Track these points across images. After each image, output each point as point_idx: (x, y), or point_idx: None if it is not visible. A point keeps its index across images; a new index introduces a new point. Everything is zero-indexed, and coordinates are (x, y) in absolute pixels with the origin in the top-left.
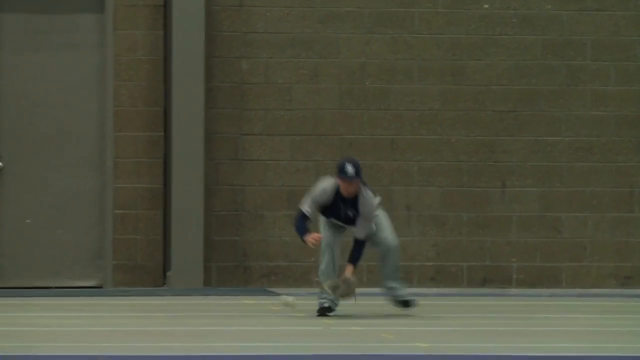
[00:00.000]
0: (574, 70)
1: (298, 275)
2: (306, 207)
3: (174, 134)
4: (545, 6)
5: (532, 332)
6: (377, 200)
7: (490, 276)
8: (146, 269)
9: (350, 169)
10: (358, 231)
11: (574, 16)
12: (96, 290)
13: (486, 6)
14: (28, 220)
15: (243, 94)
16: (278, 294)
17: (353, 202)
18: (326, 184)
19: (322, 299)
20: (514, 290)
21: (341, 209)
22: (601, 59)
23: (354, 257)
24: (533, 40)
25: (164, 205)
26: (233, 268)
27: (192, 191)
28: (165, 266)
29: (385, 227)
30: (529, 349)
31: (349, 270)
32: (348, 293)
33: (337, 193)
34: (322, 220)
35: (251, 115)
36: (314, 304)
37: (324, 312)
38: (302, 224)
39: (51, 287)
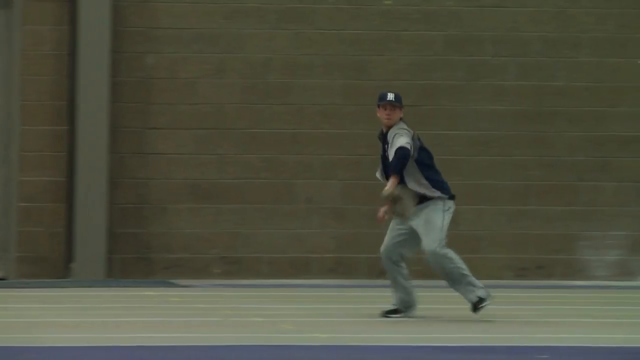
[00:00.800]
0: (474, 65)
1: (200, 267)
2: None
3: (79, 127)
4: (446, 2)
5: (424, 321)
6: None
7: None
8: (50, 261)
9: (389, 94)
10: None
11: (474, 12)
12: (0, 282)
13: (388, 2)
14: None
15: (148, 88)
16: (180, 286)
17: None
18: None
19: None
20: (412, 282)
21: (385, 151)
22: (500, 54)
23: (392, 169)
24: (434, 36)
25: (68, 198)
26: (136, 260)
27: (96, 184)
28: (68, 258)
29: (427, 232)
30: (423, 339)
31: (393, 182)
32: (403, 211)
33: (382, 135)
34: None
35: (156, 109)
36: (214, 295)
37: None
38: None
39: None
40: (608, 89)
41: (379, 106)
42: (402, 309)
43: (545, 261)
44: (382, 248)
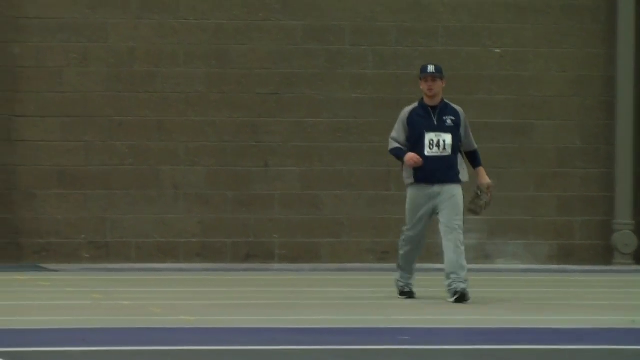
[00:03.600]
0: (333, 54)
1: (69, 252)
2: (392, 135)
3: None
4: None
5: (290, 304)
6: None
7: (253, 252)
8: None
9: (431, 66)
10: (470, 143)
11: (333, 3)
12: None
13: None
14: None
15: (15, 77)
16: (49, 270)
17: (446, 110)
18: (405, 110)
19: (402, 284)
20: (276, 266)
21: (433, 119)
22: (359, 43)
23: (477, 161)
24: (294, 26)
25: None
26: (5, 245)
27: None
28: None
29: (450, 207)
30: (287, 321)
31: (482, 173)
32: (481, 205)
33: (422, 107)
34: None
35: (23, 97)
36: (84, 279)
37: (406, 295)
38: (397, 149)
39: None
40: (463, 77)
41: (420, 79)
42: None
43: None
44: (413, 234)
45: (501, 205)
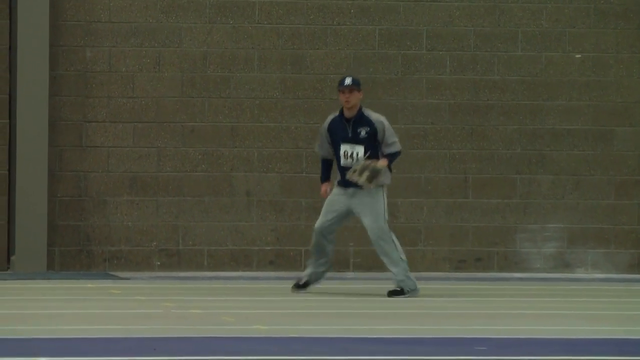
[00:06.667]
0: (410, 59)
1: (140, 259)
2: (316, 147)
3: (19, 120)
4: None
5: (366, 314)
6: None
7: None
8: None
9: (347, 79)
10: (388, 148)
11: (410, 7)
12: None
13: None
14: None
15: (87, 81)
16: (120, 278)
17: (360, 121)
18: (328, 118)
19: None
20: (351, 274)
21: (348, 130)
22: (436, 48)
23: (390, 156)
24: (370, 30)
25: (9, 190)
26: (76, 252)
27: (36, 177)
28: (10, 250)
29: (369, 213)
30: (366, 331)
31: (383, 162)
32: (369, 178)
33: (340, 118)
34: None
35: (95, 102)
36: (155, 287)
37: (298, 287)
38: (322, 168)
39: None
40: (543, 83)
41: (338, 91)
42: (313, 281)
43: (483, 253)
44: (318, 225)
45: (581, 214)
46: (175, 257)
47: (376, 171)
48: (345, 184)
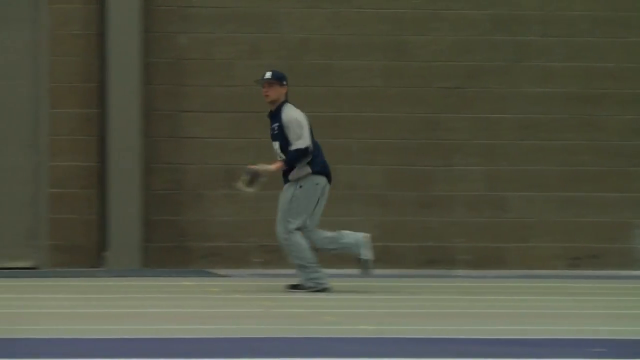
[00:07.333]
0: (520, 46)
1: (238, 256)
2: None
3: (111, 110)
4: None
5: (477, 314)
6: (300, 118)
7: (434, 257)
8: (82, 250)
9: (267, 73)
10: (290, 146)
11: None
12: (31, 271)
13: None
14: None
15: (182, 70)
16: (218, 275)
17: (276, 116)
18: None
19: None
20: (458, 271)
21: (270, 126)
22: (548, 34)
23: (287, 156)
24: (478, 16)
25: (101, 183)
26: (172, 248)
27: (130, 169)
28: (102, 246)
29: (282, 208)
30: (474, 331)
31: (273, 165)
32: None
33: (270, 114)
34: None
35: (189, 91)
36: (254, 285)
37: (293, 288)
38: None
39: None
40: None
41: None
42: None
43: (600, 250)
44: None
45: None
46: (274, 253)
47: (254, 175)
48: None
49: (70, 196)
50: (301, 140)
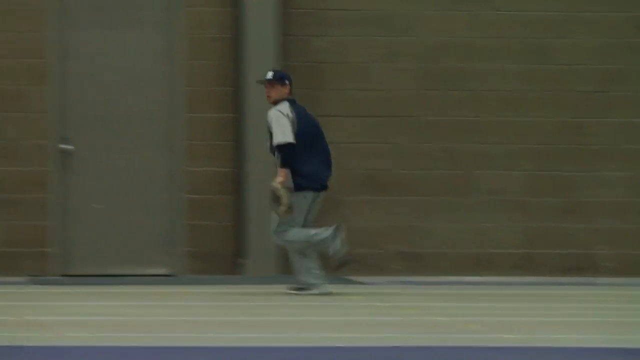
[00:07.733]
0: None
1: (378, 263)
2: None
3: (248, 115)
4: None
5: (622, 322)
6: (283, 113)
7: (576, 264)
8: (219, 256)
9: (269, 73)
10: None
11: None
12: (169, 278)
13: None
14: (99, 206)
15: (319, 73)
16: (357, 283)
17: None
18: None
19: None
20: (602, 279)
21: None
22: None
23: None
24: (621, 18)
25: (237, 189)
26: None
27: (267, 175)
28: (238, 253)
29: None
30: (620, 340)
31: (277, 178)
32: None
33: None
34: None
35: (327, 95)
36: (395, 292)
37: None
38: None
39: (120, 275)
40: None
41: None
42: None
43: None
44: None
45: None
46: (414, 260)
47: (273, 195)
48: None
49: (207, 202)
50: (280, 136)
